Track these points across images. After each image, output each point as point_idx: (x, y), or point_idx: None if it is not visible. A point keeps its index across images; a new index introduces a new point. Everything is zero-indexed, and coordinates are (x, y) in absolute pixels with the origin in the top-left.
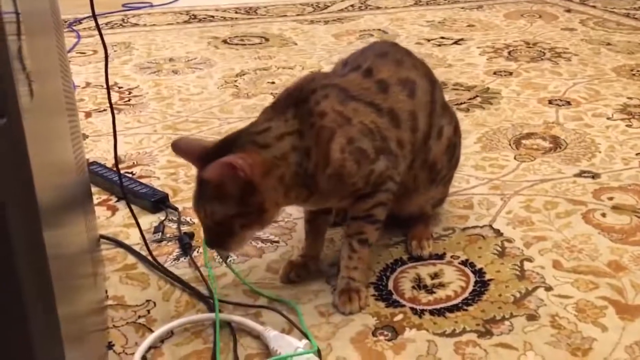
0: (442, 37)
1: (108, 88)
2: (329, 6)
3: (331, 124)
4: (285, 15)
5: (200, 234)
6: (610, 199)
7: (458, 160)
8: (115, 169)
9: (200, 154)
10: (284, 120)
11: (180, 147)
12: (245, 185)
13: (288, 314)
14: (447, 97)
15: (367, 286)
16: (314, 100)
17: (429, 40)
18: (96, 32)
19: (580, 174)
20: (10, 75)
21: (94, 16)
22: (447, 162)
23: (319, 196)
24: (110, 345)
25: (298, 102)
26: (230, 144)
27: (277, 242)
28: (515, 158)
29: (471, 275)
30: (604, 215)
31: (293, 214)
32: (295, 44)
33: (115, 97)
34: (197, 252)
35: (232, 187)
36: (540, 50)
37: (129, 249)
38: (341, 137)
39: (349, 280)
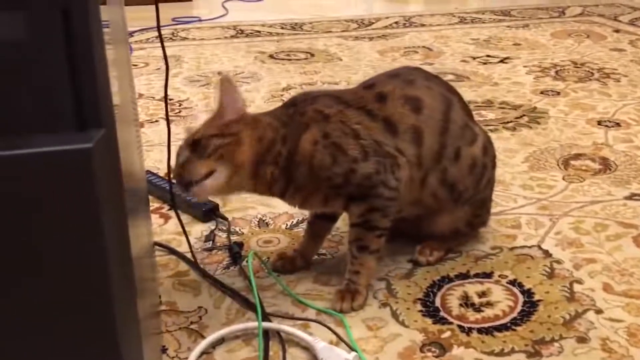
0: (488, 56)
1: (166, 101)
2: (373, 23)
3: (307, 120)
4: (331, 31)
5: (250, 243)
6: None
7: (491, 182)
8: (168, 178)
9: None
10: (277, 110)
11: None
12: (236, 121)
13: (335, 327)
14: (492, 116)
15: (369, 289)
16: (302, 104)
17: (474, 58)
18: (147, 45)
19: (631, 197)
20: (108, 86)
21: (159, 31)
22: (473, 183)
23: (296, 189)
24: (164, 349)
25: (291, 102)
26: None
27: (325, 254)
28: (563, 179)
29: (519, 295)
30: None
31: (340, 227)
32: (341, 59)
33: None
34: (247, 261)
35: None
36: (589, 71)
37: (181, 256)
38: (314, 131)
39: (348, 282)
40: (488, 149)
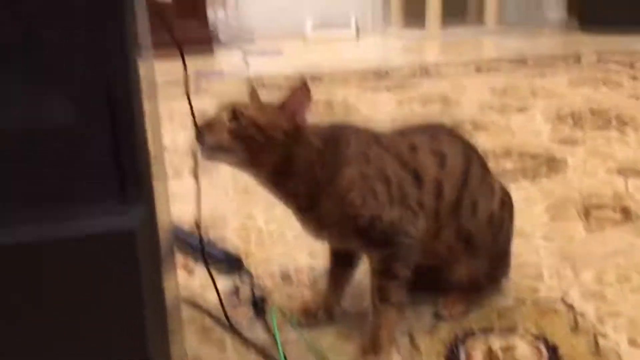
0: (505, 104)
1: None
2: (390, 73)
3: (350, 155)
4: (349, 83)
5: (273, 297)
6: None
7: (510, 235)
8: (194, 231)
9: None
10: (321, 130)
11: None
12: (286, 130)
13: None
14: (511, 165)
15: (392, 342)
16: (345, 132)
17: (491, 107)
18: (171, 100)
19: None
20: (149, 164)
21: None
22: (490, 236)
23: (317, 214)
24: None
25: (334, 128)
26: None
27: (347, 308)
28: (585, 229)
29: (544, 350)
30: None
31: (362, 281)
32: (359, 110)
33: (189, 162)
34: (271, 315)
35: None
36: (606, 119)
37: (206, 311)
38: (355, 169)
39: (371, 337)
40: (506, 202)
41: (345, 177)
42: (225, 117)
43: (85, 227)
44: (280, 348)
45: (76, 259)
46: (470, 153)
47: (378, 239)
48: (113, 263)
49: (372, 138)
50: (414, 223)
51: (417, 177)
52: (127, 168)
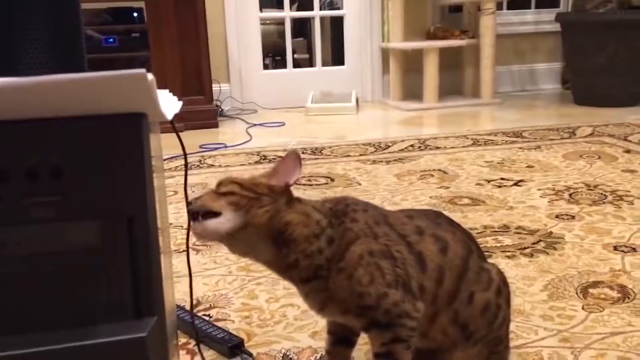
0: (502, 178)
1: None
2: (389, 146)
3: (358, 231)
4: (349, 155)
5: None
6: None
7: (507, 320)
8: (190, 312)
9: None
10: (321, 206)
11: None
12: (275, 189)
13: None
14: (509, 241)
15: None
16: (352, 208)
17: (489, 182)
18: (175, 173)
19: None
20: (160, 280)
21: (186, 165)
22: (485, 324)
23: (322, 289)
24: None
25: (337, 203)
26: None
27: None
28: (583, 308)
29: None
30: None
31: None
32: (359, 184)
33: (192, 238)
34: None
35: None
36: (602, 193)
37: None
38: (363, 245)
39: None
40: (502, 290)
41: (355, 253)
42: (212, 188)
43: (101, 337)
44: None
45: None
46: (470, 243)
47: (382, 319)
48: None
49: (380, 216)
50: (415, 306)
51: (422, 261)
52: (142, 284)
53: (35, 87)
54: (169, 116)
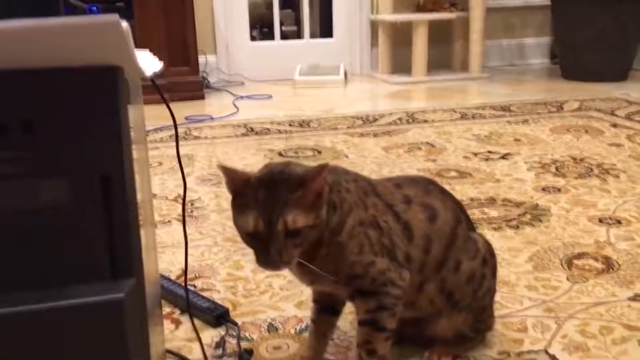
0: (489, 152)
1: (184, 205)
2: (377, 119)
3: (352, 202)
4: (337, 128)
5: (259, 349)
6: None
7: (492, 290)
8: (179, 281)
9: (248, 178)
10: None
11: (228, 171)
12: (318, 195)
13: None
14: (495, 213)
15: None
16: (344, 178)
17: (476, 154)
18: (161, 145)
19: (635, 298)
20: (139, 241)
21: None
22: (470, 292)
23: (318, 266)
24: None
25: (329, 172)
26: (285, 167)
27: None
28: (567, 279)
29: None
30: None
31: (348, 332)
32: (347, 156)
33: (178, 208)
34: None
35: (311, 195)
36: (588, 166)
37: None
38: (355, 216)
39: None
40: (488, 260)
41: (350, 225)
42: (282, 241)
43: (77, 297)
44: None
45: (67, 327)
46: (459, 212)
47: (368, 287)
48: (102, 331)
49: (369, 186)
50: (400, 274)
51: (408, 231)
52: (119, 245)
53: (2, 35)
54: (148, 72)
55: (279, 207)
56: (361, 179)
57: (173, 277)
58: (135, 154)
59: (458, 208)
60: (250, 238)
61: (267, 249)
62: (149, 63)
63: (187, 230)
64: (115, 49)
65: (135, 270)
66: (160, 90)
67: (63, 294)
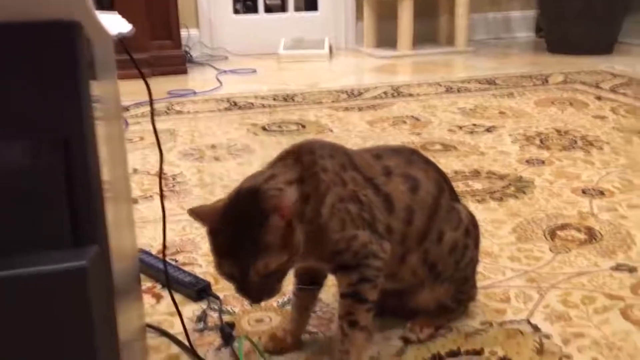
0: (474, 125)
1: (160, 176)
2: (362, 93)
3: (329, 181)
4: (321, 102)
5: (241, 322)
6: None
7: (474, 261)
8: (160, 256)
9: (219, 217)
10: (284, 167)
11: (198, 214)
12: (286, 228)
13: None
14: (479, 186)
15: None
16: (319, 155)
17: (460, 128)
18: (143, 119)
19: (617, 268)
20: (102, 206)
21: (153, 123)
22: (453, 263)
23: (307, 248)
24: None
25: (300, 153)
26: (250, 197)
27: (316, 333)
28: (550, 249)
29: None
30: None
31: (331, 304)
32: (332, 130)
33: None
34: (238, 343)
35: (278, 233)
36: (572, 139)
37: (173, 338)
38: (334, 195)
39: None
40: (471, 231)
41: (329, 205)
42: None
43: (37, 265)
44: None
45: (27, 296)
46: (442, 182)
47: (350, 260)
48: (64, 301)
49: (346, 159)
50: (381, 246)
51: (389, 202)
52: (81, 212)
53: None
54: (112, 32)
55: (249, 255)
56: (338, 154)
57: (154, 252)
58: (109, 129)
59: (441, 178)
60: (229, 279)
61: (246, 290)
62: (117, 24)
63: (169, 205)
64: (71, 3)
65: (99, 237)
66: (129, 52)
67: (22, 262)
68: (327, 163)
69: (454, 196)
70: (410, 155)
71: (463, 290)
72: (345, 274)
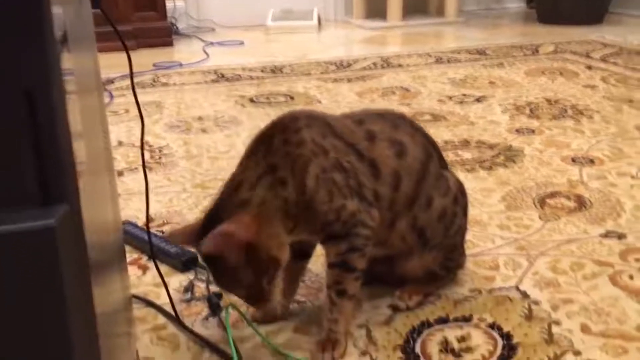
0: (464, 95)
1: (142, 151)
2: (352, 64)
3: (308, 153)
4: (310, 74)
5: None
6: (638, 260)
7: (462, 228)
8: (146, 228)
9: (195, 236)
10: (254, 163)
11: (177, 237)
12: (248, 247)
13: None
14: (469, 155)
15: (347, 336)
16: (293, 129)
17: (450, 98)
18: (128, 92)
19: (606, 235)
20: (72, 162)
21: (134, 90)
22: (442, 230)
23: (297, 225)
24: None
25: (272, 136)
26: (215, 214)
27: (304, 302)
28: (540, 217)
29: (499, 338)
30: (631, 277)
31: (320, 274)
32: (320, 102)
33: (146, 155)
34: (225, 312)
35: (237, 255)
36: (562, 108)
37: (159, 309)
38: (316, 167)
39: (328, 332)
40: (459, 198)
41: (312, 178)
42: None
43: (1, 224)
44: (232, 344)
45: None
46: (430, 148)
47: (339, 230)
48: (31, 263)
49: (326, 127)
50: (370, 214)
51: (374, 168)
52: (48, 166)
53: None
54: None
55: (228, 283)
56: (316, 122)
57: (140, 224)
58: (88, 101)
59: (429, 143)
60: None
61: (247, 300)
62: None
63: (155, 177)
64: None
65: (69, 196)
66: (112, 22)
67: None
68: (304, 135)
69: (443, 164)
70: (395, 120)
71: (452, 257)
72: (334, 244)
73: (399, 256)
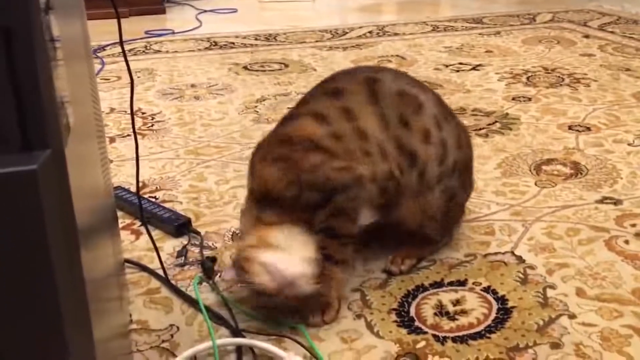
0: (461, 63)
1: (132, 116)
2: (347, 32)
3: (285, 171)
4: (305, 42)
5: (223, 258)
6: (633, 225)
7: (462, 174)
8: (137, 192)
9: None
10: (248, 208)
11: None
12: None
13: (311, 340)
14: (465, 123)
15: (341, 300)
16: (260, 155)
17: (447, 66)
18: (120, 59)
19: (602, 201)
20: (54, 106)
21: (122, 47)
22: (437, 165)
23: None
24: None
25: (252, 173)
26: None
27: None
28: (536, 184)
29: (493, 302)
30: (627, 242)
31: None
32: (315, 69)
33: (138, 122)
34: (219, 276)
35: None
36: (559, 76)
37: (152, 273)
38: (305, 175)
39: (320, 296)
40: (462, 137)
41: (307, 170)
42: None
43: None
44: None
45: None
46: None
47: (318, 198)
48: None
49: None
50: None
51: (363, 135)
52: (28, 109)
53: None
54: None
55: None
56: (286, 139)
57: (133, 190)
58: (76, 68)
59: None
60: None
61: None
62: None
63: (148, 143)
64: None
65: (52, 141)
66: None
67: None
68: (274, 153)
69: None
70: (375, 73)
71: (450, 207)
72: (314, 212)
73: (396, 200)
